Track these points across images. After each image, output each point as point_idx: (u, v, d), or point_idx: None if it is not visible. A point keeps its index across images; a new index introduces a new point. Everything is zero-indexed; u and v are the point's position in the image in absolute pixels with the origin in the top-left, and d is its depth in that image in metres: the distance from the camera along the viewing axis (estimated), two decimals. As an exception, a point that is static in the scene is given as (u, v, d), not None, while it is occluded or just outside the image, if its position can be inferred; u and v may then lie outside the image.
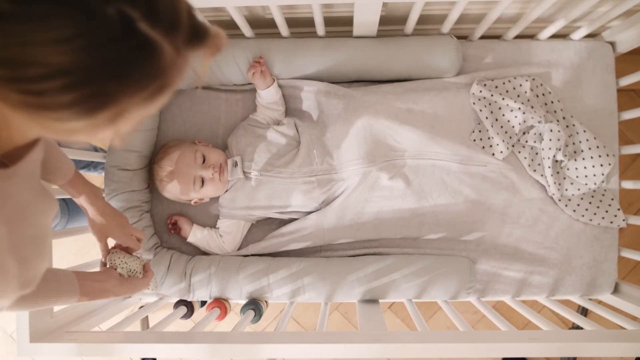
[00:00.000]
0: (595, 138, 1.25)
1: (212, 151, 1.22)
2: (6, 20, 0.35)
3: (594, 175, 1.24)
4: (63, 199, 1.52)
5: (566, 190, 1.25)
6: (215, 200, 1.28)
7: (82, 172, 1.54)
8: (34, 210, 0.63)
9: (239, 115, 1.33)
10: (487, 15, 1.18)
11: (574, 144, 1.25)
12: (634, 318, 1.13)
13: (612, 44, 1.31)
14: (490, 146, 1.21)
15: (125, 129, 0.47)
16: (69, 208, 1.57)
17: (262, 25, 1.35)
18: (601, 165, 1.23)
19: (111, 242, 1.00)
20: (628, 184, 1.27)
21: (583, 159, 1.24)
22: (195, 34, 0.45)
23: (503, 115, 1.22)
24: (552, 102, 1.26)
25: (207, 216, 1.32)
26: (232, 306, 1.29)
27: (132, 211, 1.22)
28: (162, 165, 1.19)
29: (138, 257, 1.00)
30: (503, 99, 1.22)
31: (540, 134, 1.22)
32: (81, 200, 0.94)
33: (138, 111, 0.45)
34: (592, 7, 1.22)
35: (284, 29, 1.24)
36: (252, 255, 1.26)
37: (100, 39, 0.37)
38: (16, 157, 0.57)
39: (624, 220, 1.24)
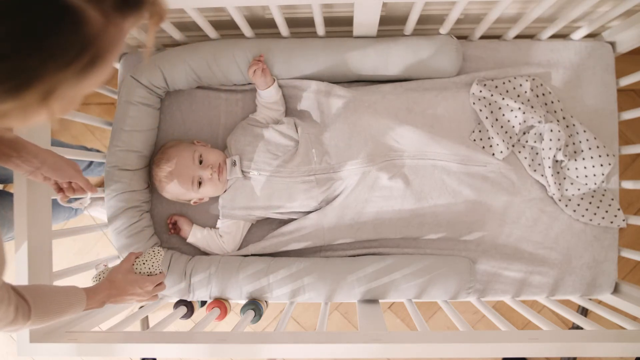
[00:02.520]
0: (595, 138, 1.25)
1: (210, 151, 1.22)
2: None
3: (594, 175, 1.24)
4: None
5: (566, 190, 1.25)
6: (215, 200, 1.28)
7: (85, 173, 1.54)
8: None
9: (239, 115, 1.33)
10: (487, 15, 1.18)
11: (574, 144, 1.25)
12: (634, 318, 1.13)
13: (612, 44, 1.31)
14: (490, 146, 1.21)
15: (61, 110, 0.42)
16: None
17: (262, 25, 1.35)
18: (601, 165, 1.23)
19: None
20: (628, 184, 1.27)
21: (583, 159, 1.24)
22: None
23: (503, 115, 1.22)
24: (552, 102, 1.26)
25: (207, 216, 1.32)
26: (232, 306, 1.29)
27: (132, 211, 1.22)
28: (160, 166, 1.20)
29: (158, 254, 1.03)
30: (503, 98, 1.22)
31: (540, 134, 1.22)
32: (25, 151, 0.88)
33: (72, 88, 0.40)
34: (592, 7, 1.22)
35: (284, 29, 1.24)
36: (252, 255, 1.26)
37: (8, 5, 0.33)
38: None
39: (624, 220, 1.24)
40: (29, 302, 0.75)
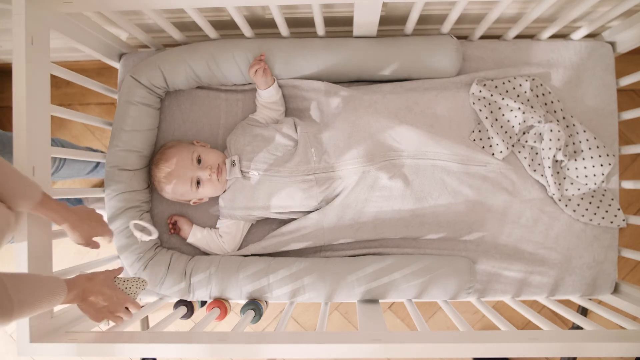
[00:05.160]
0: (595, 138, 1.25)
1: (209, 152, 1.22)
2: None
3: (594, 175, 1.24)
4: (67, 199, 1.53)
5: (566, 190, 1.25)
6: (215, 200, 1.28)
7: (89, 175, 1.55)
8: None
9: (239, 115, 1.33)
10: (487, 15, 1.18)
11: (574, 144, 1.25)
12: (634, 318, 1.14)
13: (612, 44, 1.31)
14: (490, 146, 1.21)
15: None
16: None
17: (262, 25, 1.35)
18: (601, 165, 1.23)
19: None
20: (628, 184, 1.27)
21: (583, 159, 1.24)
22: None
23: (503, 115, 1.22)
24: (552, 102, 1.26)
25: (207, 216, 1.32)
26: (232, 306, 1.29)
27: (132, 211, 1.22)
28: (159, 167, 1.20)
29: (142, 282, 1.03)
30: (503, 98, 1.22)
31: (540, 134, 1.22)
32: (59, 221, 0.93)
33: None
34: (592, 7, 1.22)
35: (284, 29, 1.24)
36: (252, 255, 1.26)
37: None
38: None
39: (624, 220, 1.24)
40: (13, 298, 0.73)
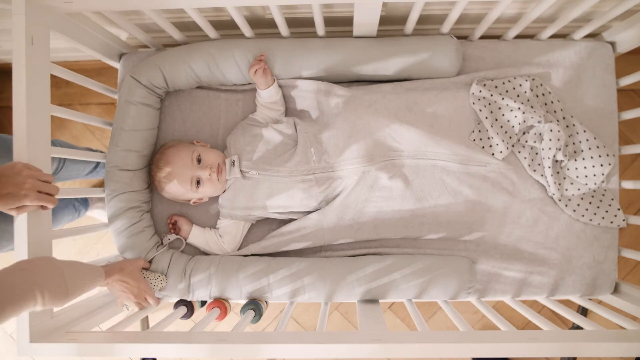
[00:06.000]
0: (595, 138, 1.25)
1: (209, 151, 1.22)
2: None
3: (594, 175, 1.24)
4: (75, 199, 1.53)
5: (566, 190, 1.25)
6: (215, 200, 1.28)
7: (89, 176, 1.55)
8: None
9: (239, 115, 1.33)
10: (487, 15, 1.18)
11: (574, 144, 1.25)
12: (634, 318, 1.13)
13: (612, 44, 1.31)
14: (490, 146, 1.21)
15: None
16: (81, 202, 1.58)
17: (262, 25, 1.35)
18: (601, 165, 1.23)
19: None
20: (628, 184, 1.27)
21: (583, 159, 1.24)
22: None
23: (503, 115, 1.22)
24: (552, 102, 1.26)
25: (207, 216, 1.32)
26: (232, 306, 1.29)
27: (132, 211, 1.22)
28: (159, 167, 1.20)
29: (163, 278, 1.19)
30: (503, 98, 1.22)
31: (540, 134, 1.22)
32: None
33: None
34: (592, 7, 1.22)
35: (284, 29, 1.24)
36: (252, 255, 1.26)
37: None
38: None
39: (624, 220, 1.24)
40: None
